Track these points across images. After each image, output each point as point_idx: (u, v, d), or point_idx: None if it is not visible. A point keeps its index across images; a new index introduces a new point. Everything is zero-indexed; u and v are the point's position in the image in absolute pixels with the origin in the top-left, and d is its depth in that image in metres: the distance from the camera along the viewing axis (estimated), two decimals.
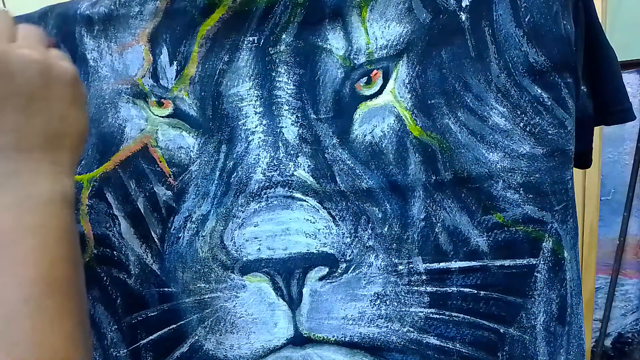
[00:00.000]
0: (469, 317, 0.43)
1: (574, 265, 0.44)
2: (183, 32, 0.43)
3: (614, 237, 1.19)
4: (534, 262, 0.43)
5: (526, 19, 0.40)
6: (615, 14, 1.07)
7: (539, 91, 0.41)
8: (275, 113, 0.43)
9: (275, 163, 0.43)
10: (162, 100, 0.44)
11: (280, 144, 0.43)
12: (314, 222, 0.43)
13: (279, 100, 0.42)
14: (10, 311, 0.28)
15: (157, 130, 0.45)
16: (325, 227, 0.42)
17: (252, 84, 0.43)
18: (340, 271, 0.43)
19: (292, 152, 0.43)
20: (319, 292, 0.43)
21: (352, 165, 0.42)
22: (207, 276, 0.44)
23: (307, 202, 0.43)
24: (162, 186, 0.45)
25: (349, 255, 0.43)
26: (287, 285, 0.43)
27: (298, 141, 0.43)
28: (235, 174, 0.43)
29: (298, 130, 0.43)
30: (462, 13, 0.41)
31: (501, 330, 0.43)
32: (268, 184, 0.43)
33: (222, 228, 0.44)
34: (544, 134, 0.41)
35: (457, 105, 0.41)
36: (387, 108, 0.42)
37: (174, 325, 0.46)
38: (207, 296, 0.45)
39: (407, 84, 0.42)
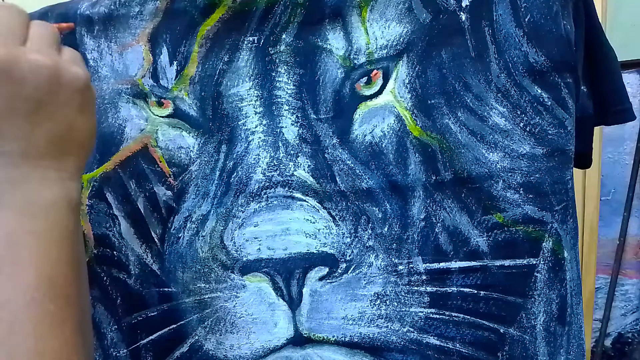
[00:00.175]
0: (469, 317, 0.43)
1: (574, 265, 0.44)
2: (183, 32, 0.43)
3: (614, 237, 1.20)
4: (534, 262, 0.43)
5: (526, 19, 0.40)
6: (615, 14, 1.07)
7: (539, 91, 0.41)
8: (275, 113, 0.43)
9: (275, 163, 0.43)
10: (162, 100, 0.44)
11: (280, 144, 0.43)
12: (314, 222, 0.43)
13: (279, 100, 0.43)
14: (12, 315, 0.28)
15: (157, 130, 0.45)
16: (325, 227, 0.43)
17: (252, 84, 0.43)
18: (340, 271, 0.43)
19: (292, 152, 0.43)
20: (319, 292, 0.43)
21: (352, 165, 0.42)
22: (207, 276, 0.44)
23: (307, 202, 0.43)
24: (162, 186, 0.45)
25: (349, 255, 0.43)
26: (287, 285, 0.43)
27: (298, 141, 0.43)
28: (235, 174, 0.43)
29: (298, 130, 0.43)
30: (462, 13, 0.41)
31: (501, 330, 0.43)
32: (268, 184, 0.43)
33: (222, 228, 0.44)
34: (544, 134, 0.41)
35: (457, 105, 0.41)
36: (387, 108, 0.42)
37: (174, 325, 0.46)
38: (207, 296, 0.45)
39: (407, 84, 0.42)
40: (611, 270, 1.21)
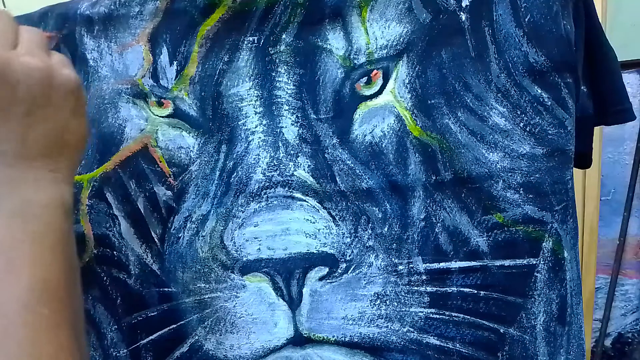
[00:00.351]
0: (469, 317, 0.43)
1: (574, 265, 0.44)
2: (183, 32, 0.43)
3: (614, 237, 1.20)
4: (534, 262, 0.43)
5: (526, 19, 0.40)
6: (615, 14, 1.07)
7: (539, 91, 0.41)
8: (275, 113, 0.43)
9: (275, 163, 0.43)
10: (162, 100, 0.44)
11: (280, 144, 0.43)
12: (314, 222, 0.43)
13: (279, 100, 0.42)
14: (6, 319, 0.28)
15: (157, 130, 0.45)
16: (325, 227, 0.42)
17: (252, 84, 0.43)
18: (340, 271, 0.43)
19: (292, 152, 0.43)
20: (319, 292, 0.43)
21: (352, 165, 0.42)
22: (207, 276, 0.44)
23: (307, 202, 0.43)
24: (162, 186, 0.45)
25: (349, 255, 0.43)
26: (287, 285, 0.43)
27: (298, 141, 0.43)
28: (235, 174, 0.43)
29: (298, 130, 0.43)
30: (462, 13, 0.41)
31: (501, 330, 0.43)
32: (268, 184, 0.43)
33: (222, 228, 0.44)
34: (544, 134, 0.41)
35: (457, 105, 0.41)
36: (387, 108, 0.42)
37: (174, 325, 0.46)
38: (207, 296, 0.45)
39: (407, 84, 0.42)
40: (611, 270, 1.21)
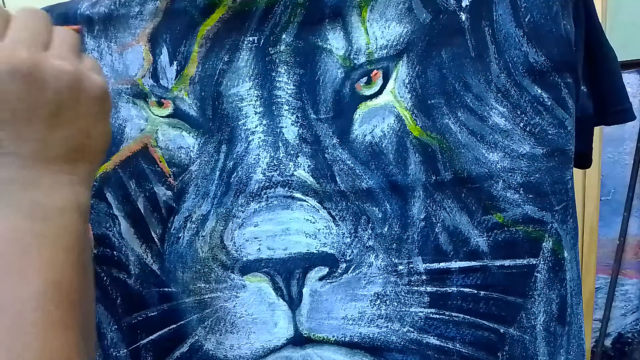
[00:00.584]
0: (469, 317, 0.43)
1: (574, 265, 0.44)
2: (183, 32, 0.43)
3: (614, 237, 1.20)
4: (534, 262, 0.43)
5: (526, 19, 0.40)
6: (615, 14, 1.07)
7: (539, 91, 0.41)
8: (275, 113, 0.43)
9: (275, 163, 0.43)
10: (162, 100, 0.44)
11: (280, 144, 0.43)
12: (314, 222, 0.43)
13: (279, 100, 0.42)
14: (17, 319, 0.28)
15: (157, 130, 0.45)
16: (325, 227, 0.42)
17: (252, 84, 0.43)
18: (340, 271, 0.43)
19: (292, 152, 0.43)
20: (319, 292, 0.43)
21: (352, 165, 0.42)
22: (207, 276, 0.44)
23: (307, 202, 0.43)
24: (162, 186, 0.45)
25: (349, 255, 0.43)
26: (287, 285, 0.43)
27: (298, 141, 0.43)
28: (235, 174, 0.43)
29: (298, 130, 0.43)
30: (462, 13, 0.41)
31: (501, 330, 0.43)
32: (268, 184, 0.43)
33: (222, 228, 0.44)
34: (544, 134, 0.41)
35: (457, 105, 0.41)
36: (387, 108, 0.42)
37: (174, 325, 0.46)
38: (207, 296, 0.45)
39: (407, 84, 0.42)
40: (611, 270, 1.21)
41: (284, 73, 0.42)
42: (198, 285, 0.45)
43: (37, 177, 0.31)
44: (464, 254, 0.42)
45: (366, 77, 0.42)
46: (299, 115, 0.42)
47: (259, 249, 0.43)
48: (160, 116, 0.45)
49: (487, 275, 0.43)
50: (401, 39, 0.41)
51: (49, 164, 0.31)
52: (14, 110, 0.29)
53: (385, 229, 0.42)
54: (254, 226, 0.43)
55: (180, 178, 0.45)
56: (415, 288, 0.43)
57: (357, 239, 0.43)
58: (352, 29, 0.42)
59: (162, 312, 0.46)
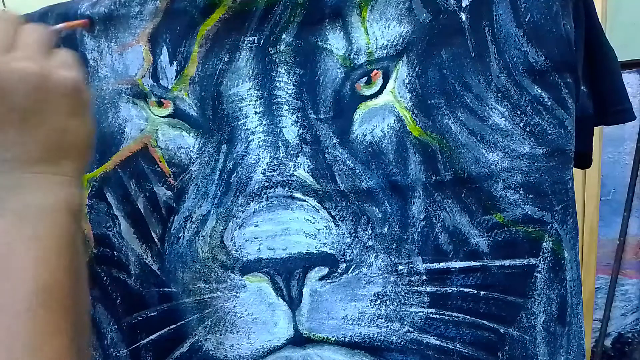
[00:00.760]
0: (469, 317, 0.43)
1: (574, 265, 0.44)
2: (183, 32, 0.43)
3: (614, 237, 1.19)
4: (534, 262, 0.43)
5: (526, 19, 0.40)
6: (615, 14, 1.07)
7: (539, 91, 0.41)
8: (275, 113, 0.43)
9: (275, 163, 0.43)
10: (162, 100, 0.44)
11: (280, 144, 0.43)
12: (314, 222, 0.43)
13: (279, 100, 0.42)
14: (8, 322, 0.28)
15: (157, 130, 0.45)
16: (325, 227, 0.42)
17: (252, 84, 0.43)
18: (340, 271, 0.43)
19: (292, 152, 0.43)
20: (319, 292, 0.43)
21: (352, 165, 0.42)
22: (207, 276, 0.44)
23: (307, 202, 0.43)
24: (162, 186, 0.45)
25: (349, 255, 0.43)
26: (287, 285, 0.43)
27: (298, 141, 0.43)
28: (235, 174, 0.43)
29: (298, 130, 0.43)
30: (462, 13, 0.41)
31: (501, 330, 0.43)
32: (268, 184, 0.43)
33: (222, 228, 0.44)
34: (544, 134, 0.41)
35: (457, 105, 0.41)
36: (387, 108, 0.42)
37: (174, 325, 0.46)
38: (207, 296, 0.45)
39: (407, 84, 0.42)
40: (611, 270, 1.21)
41: (284, 73, 0.42)
42: (198, 285, 0.45)
43: (22, 181, 0.30)
44: (464, 254, 0.42)
45: (366, 77, 0.42)
46: (299, 115, 0.42)
47: (259, 249, 0.43)
48: (160, 116, 0.45)
49: (487, 275, 0.43)
50: (401, 39, 0.41)
51: (30, 166, 0.31)
52: None
53: (385, 229, 0.42)
54: (254, 226, 0.43)
55: (180, 178, 0.45)
56: (415, 288, 0.43)
57: (357, 239, 0.43)
58: (352, 29, 0.42)
59: (162, 312, 0.46)
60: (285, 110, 0.43)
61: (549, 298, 0.43)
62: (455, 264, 0.43)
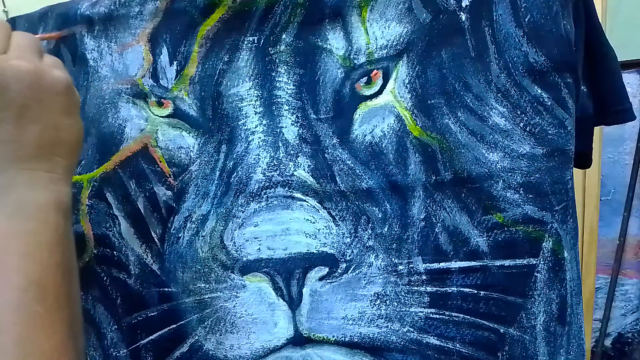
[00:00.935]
0: (469, 317, 0.43)
1: (574, 265, 0.44)
2: (183, 32, 0.43)
3: (614, 237, 1.20)
4: (534, 262, 0.43)
5: (526, 19, 0.40)
6: (615, 14, 1.07)
7: (539, 91, 0.41)
8: (275, 113, 0.43)
9: (275, 163, 0.43)
10: (162, 100, 0.44)
11: (280, 144, 0.43)
12: (314, 222, 0.43)
13: (279, 100, 0.42)
14: (1, 317, 0.28)
15: (157, 130, 0.45)
16: (325, 227, 0.42)
17: (252, 84, 0.43)
18: (340, 271, 0.43)
19: (292, 152, 0.43)
20: (319, 292, 0.43)
21: (352, 165, 0.42)
22: (207, 276, 0.44)
23: (307, 202, 0.43)
24: (162, 186, 0.45)
25: (349, 255, 0.43)
26: (287, 285, 0.43)
27: (298, 141, 0.43)
28: (235, 174, 0.43)
29: (298, 130, 0.43)
30: (462, 13, 0.41)
31: (501, 330, 0.43)
32: (268, 184, 0.43)
33: (222, 228, 0.44)
34: (544, 134, 0.41)
35: (457, 105, 0.41)
36: (387, 108, 0.42)
37: (174, 325, 0.46)
38: (207, 296, 0.45)
39: (407, 84, 0.42)
40: (611, 270, 1.21)
41: (284, 73, 0.42)
42: (198, 285, 0.45)
43: (15, 178, 0.31)
44: (464, 254, 0.42)
45: (366, 77, 0.42)
46: (299, 115, 0.42)
47: (259, 249, 0.43)
48: (160, 116, 0.45)
49: (487, 275, 0.43)
50: (401, 39, 0.41)
51: (23, 163, 0.31)
52: None
53: (385, 229, 0.42)
54: (254, 226, 0.43)
55: (180, 178, 0.45)
56: (415, 288, 0.43)
57: (357, 239, 0.43)
58: (352, 29, 0.42)
59: (162, 312, 0.46)
60: (285, 110, 0.43)
61: (549, 298, 0.43)
62: (455, 264, 0.43)
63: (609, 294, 1.21)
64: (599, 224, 1.17)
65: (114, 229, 0.46)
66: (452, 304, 0.43)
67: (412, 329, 0.43)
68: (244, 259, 0.43)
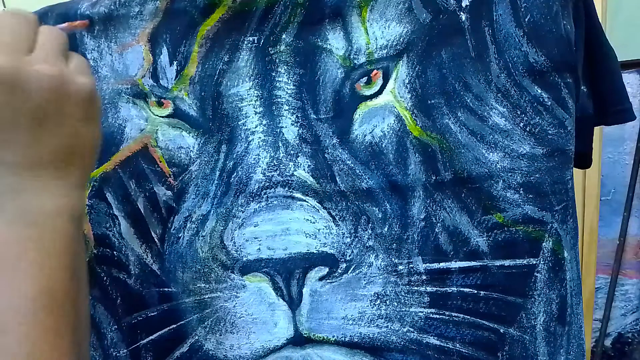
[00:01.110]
0: (469, 317, 0.43)
1: (574, 265, 0.44)
2: (183, 32, 0.43)
3: (614, 237, 1.19)
4: (534, 262, 0.43)
5: (526, 19, 0.40)
6: (615, 14, 1.07)
7: (539, 91, 0.41)
8: (275, 113, 0.43)
9: (275, 163, 0.43)
10: (162, 100, 0.44)
11: (280, 144, 0.43)
12: (314, 222, 0.43)
13: (279, 100, 0.43)
14: (7, 325, 0.27)
15: (157, 130, 0.45)
16: (325, 227, 0.43)
17: (252, 84, 0.43)
18: (340, 271, 0.43)
19: (292, 152, 0.43)
20: (319, 292, 0.43)
21: (352, 165, 0.42)
22: (207, 276, 0.44)
23: (307, 202, 0.43)
24: (162, 186, 0.45)
25: (349, 255, 0.43)
26: (287, 285, 0.43)
27: (298, 141, 0.43)
28: (235, 174, 0.43)
29: (298, 130, 0.43)
30: (462, 13, 0.41)
31: (501, 330, 0.43)
32: (268, 184, 0.43)
33: (222, 228, 0.44)
34: (544, 134, 0.41)
35: (457, 105, 0.41)
36: (387, 108, 0.42)
37: (174, 325, 0.46)
38: (207, 296, 0.45)
39: (407, 84, 0.42)
40: (611, 270, 1.21)
41: (284, 73, 0.42)
42: (198, 285, 0.45)
43: (26, 184, 0.30)
44: (464, 254, 0.42)
45: (366, 77, 0.42)
46: (299, 115, 0.42)
47: (259, 249, 0.43)
48: (160, 116, 0.45)
49: (487, 275, 0.43)
50: (401, 39, 0.41)
51: (38, 169, 0.30)
52: None
53: (385, 229, 0.42)
54: (254, 226, 0.43)
55: (180, 178, 0.45)
56: (415, 288, 0.43)
57: (357, 239, 0.43)
58: (352, 29, 0.42)
59: (162, 312, 0.46)
60: (285, 110, 0.43)
61: (549, 298, 0.43)
62: (455, 264, 0.43)
63: (609, 294, 1.21)
64: (599, 224, 1.17)
65: (114, 229, 0.46)
66: (452, 304, 0.43)
67: (412, 329, 0.43)
68: (244, 259, 0.43)
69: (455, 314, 0.43)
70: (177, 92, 0.44)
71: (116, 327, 0.47)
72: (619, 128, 1.13)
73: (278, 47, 0.42)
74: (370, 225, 0.42)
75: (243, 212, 0.43)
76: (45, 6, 0.47)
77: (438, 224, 0.42)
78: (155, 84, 0.44)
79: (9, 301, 0.28)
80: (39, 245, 0.30)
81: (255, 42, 0.42)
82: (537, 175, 0.42)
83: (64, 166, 0.32)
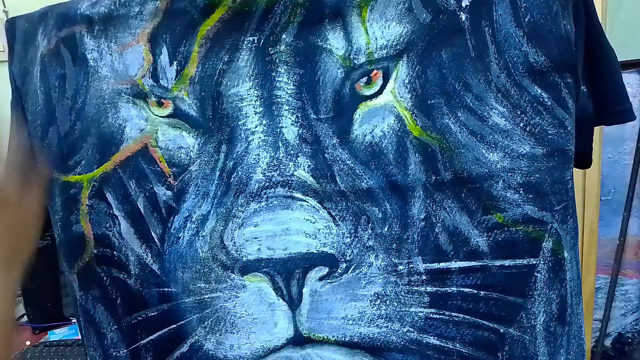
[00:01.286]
0: (469, 317, 0.43)
1: (574, 265, 0.44)
2: (183, 32, 0.43)
3: (614, 237, 1.19)
4: (534, 262, 0.43)
5: (526, 19, 0.40)
6: (615, 14, 1.07)
7: (539, 91, 0.41)
8: (275, 113, 0.43)
9: (275, 163, 0.43)
10: (162, 100, 0.44)
11: (280, 144, 0.43)
12: (314, 222, 0.43)
13: (279, 100, 0.42)
14: None
15: (157, 130, 0.45)
16: (325, 227, 0.42)
17: (252, 84, 0.43)
18: (340, 271, 0.43)
19: (292, 152, 0.43)
20: (319, 292, 0.43)
21: (352, 165, 0.42)
22: (207, 276, 0.44)
23: (307, 202, 0.43)
24: (162, 186, 0.45)
25: (349, 255, 0.43)
26: (287, 285, 0.43)
27: (298, 141, 0.43)
28: (235, 174, 0.43)
29: (298, 130, 0.43)
30: (462, 13, 0.41)
31: (501, 330, 0.43)
32: (268, 184, 0.43)
33: (222, 228, 0.44)
34: (544, 134, 0.41)
35: (457, 105, 0.41)
36: (387, 108, 0.42)
37: (174, 325, 0.46)
38: (207, 296, 0.45)
39: (407, 84, 0.42)
40: (611, 270, 1.21)
41: (284, 73, 0.42)
42: (198, 285, 0.45)
43: None
44: (464, 254, 0.42)
45: (366, 77, 0.42)
46: (299, 115, 0.42)
47: (259, 249, 0.43)
48: (160, 116, 0.45)
49: (487, 275, 0.43)
50: (401, 39, 0.41)
51: None
52: None
53: (385, 229, 0.42)
54: (254, 226, 0.43)
55: (180, 178, 0.45)
56: (415, 288, 0.43)
57: (357, 239, 0.42)
58: (352, 29, 0.42)
59: (162, 312, 0.46)
60: (285, 110, 0.42)
61: (549, 298, 0.43)
62: (455, 264, 0.43)
63: (609, 294, 1.21)
64: (599, 224, 1.17)
65: (114, 229, 0.46)
66: (452, 304, 0.43)
67: (412, 329, 0.43)
68: (244, 259, 0.43)
69: (455, 314, 0.43)
70: (177, 92, 0.44)
71: (116, 327, 0.47)
72: (619, 128, 1.13)
73: (278, 47, 0.42)
74: (370, 225, 0.42)
75: (243, 212, 0.43)
76: (45, 6, 0.47)
77: (438, 224, 0.42)
78: (155, 84, 0.44)
79: None
80: None
81: (255, 42, 0.42)
82: (537, 175, 0.42)
83: None
